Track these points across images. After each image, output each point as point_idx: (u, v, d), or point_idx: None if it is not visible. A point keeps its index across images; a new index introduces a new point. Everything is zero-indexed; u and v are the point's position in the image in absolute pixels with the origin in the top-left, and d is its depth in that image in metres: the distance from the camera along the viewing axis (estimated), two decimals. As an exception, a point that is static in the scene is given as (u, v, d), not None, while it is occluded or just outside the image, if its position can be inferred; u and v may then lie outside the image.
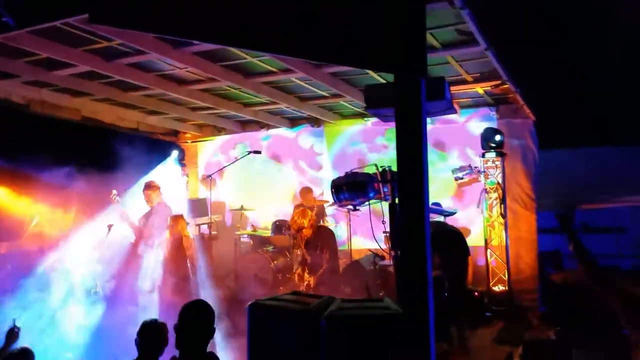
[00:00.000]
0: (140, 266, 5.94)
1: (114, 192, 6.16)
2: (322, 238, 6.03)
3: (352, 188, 3.79)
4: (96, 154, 7.97)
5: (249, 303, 3.39)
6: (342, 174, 4.09)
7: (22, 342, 3.56)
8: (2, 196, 6.39)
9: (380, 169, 3.99)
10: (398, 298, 3.29)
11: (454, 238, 6.11)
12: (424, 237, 3.00)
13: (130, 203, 6.78)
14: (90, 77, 6.37)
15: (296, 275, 6.21)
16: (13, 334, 3.45)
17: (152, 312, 5.49)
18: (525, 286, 7.48)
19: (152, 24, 3.81)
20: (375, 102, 3.31)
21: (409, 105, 3.01)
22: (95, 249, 6.39)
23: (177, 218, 6.24)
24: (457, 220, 7.81)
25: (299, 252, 7.67)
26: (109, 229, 6.11)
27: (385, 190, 3.95)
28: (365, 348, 2.96)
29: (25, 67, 5.78)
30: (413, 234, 3.00)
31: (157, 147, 9.41)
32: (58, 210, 6.73)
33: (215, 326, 3.11)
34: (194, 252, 6.28)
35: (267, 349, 3.21)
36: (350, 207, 4.25)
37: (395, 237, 3.34)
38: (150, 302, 5.80)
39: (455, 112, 4.93)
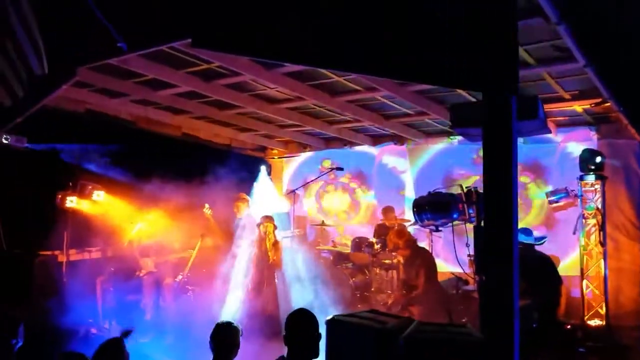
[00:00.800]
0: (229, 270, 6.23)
1: (207, 205, 6.55)
2: (419, 259, 5.90)
3: (434, 208, 3.73)
4: (193, 168, 8.51)
5: (327, 318, 3.44)
6: (425, 194, 4.04)
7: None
8: (109, 204, 6.97)
9: (465, 190, 3.90)
10: (481, 325, 3.17)
11: (543, 264, 5.77)
12: (511, 262, 2.89)
13: (220, 213, 7.15)
14: (190, 96, 6.85)
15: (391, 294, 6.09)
16: (128, 332, 3.60)
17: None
18: (626, 322, 6.87)
19: (249, 48, 4.04)
20: (462, 121, 3.25)
21: (498, 125, 2.94)
22: (189, 255, 6.80)
23: (267, 218, 6.46)
24: (548, 247, 7.37)
25: (378, 271, 7.64)
26: (202, 238, 6.47)
27: (471, 212, 3.85)
28: (444, 373, 2.89)
29: (133, 87, 6.33)
30: (499, 258, 2.90)
31: (247, 163, 9.84)
32: (157, 218, 7.21)
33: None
34: (280, 255, 6.48)
35: (344, 365, 3.22)
36: (433, 227, 4.17)
37: (479, 261, 3.23)
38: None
39: (549, 132, 4.70)
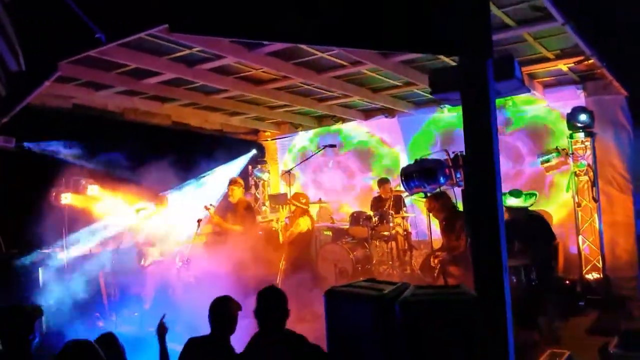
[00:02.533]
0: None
1: (209, 204, 6.69)
2: (460, 222, 5.84)
3: (422, 175, 3.78)
4: (185, 156, 8.56)
5: (325, 290, 3.52)
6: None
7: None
8: (104, 197, 7.01)
9: (451, 154, 3.94)
10: (474, 284, 3.25)
11: (535, 223, 5.82)
12: (496, 221, 2.94)
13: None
14: (176, 84, 6.83)
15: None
16: (163, 327, 3.64)
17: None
18: (623, 274, 6.98)
19: (225, 29, 4.05)
20: (441, 87, 3.28)
21: (476, 88, 2.96)
22: (186, 240, 6.89)
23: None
24: (542, 206, 7.45)
25: (377, 244, 7.74)
26: (199, 224, 6.53)
27: (458, 176, 3.90)
28: (438, 333, 2.98)
29: (117, 78, 6.31)
30: (484, 219, 2.96)
31: (240, 146, 9.89)
32: (152, 207, 7.27)
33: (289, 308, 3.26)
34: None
35: (343, 333, 3.31)
36: (422, 194, 4.22)
37: (468, 222, 3.30)
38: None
39: (528, 90, 4.70)
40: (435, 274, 5.71)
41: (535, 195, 5.93)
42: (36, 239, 6.34)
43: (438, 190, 4.94)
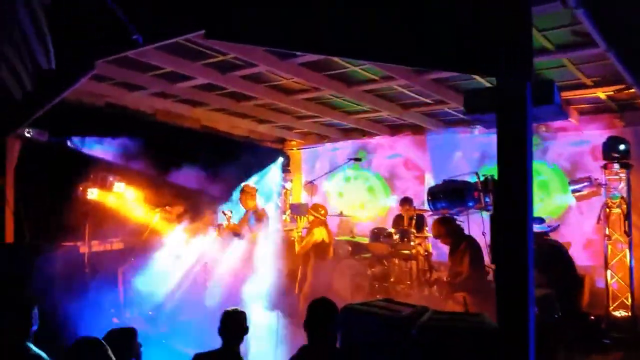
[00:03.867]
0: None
1: (225, 212, 6.69)
2: (463, 245, 5.65)
3: (449, 196, 3.69)
4: (212, 159, 8.61)
5: (342, 306, 3.45)
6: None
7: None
8: (130, 196, 7.08)
9: (482, 177, 3.84)
10: (497, 315, 3.13)
11: (555, 253, 5.63)
12: (525, 251, 2.85)
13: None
14: (208, 89, 6.90)
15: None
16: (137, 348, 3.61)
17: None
18: (652, 313, 6.70)
19: (261, 38, 4.07)
20: (476, 108, 3.20)
21: (513, 111, 2.88)
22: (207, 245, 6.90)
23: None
24: (568, 236, 7.25)
25: (396, 262, 7.61)
26: (219, 229, 6.54)
27: (487, 200, 3.79)
28: (457, 362, 2.87)
29: (151, 80, 6.40)
30: (512, 247, 2.86)
31: (266, 154, 9.91)
32: (177, 209, 7.31)
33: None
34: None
35: (357, 352, 3.23)
36: (448, 216, 4.12)
37: (495, 250, 3.19)
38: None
39: (566, 117, 4.58)
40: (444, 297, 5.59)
41: (558, 226, 5.77)
42: (60, 231, 6.42)
43: (444, 215, 4.86)
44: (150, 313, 6.53)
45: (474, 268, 5.51)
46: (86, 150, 7.10)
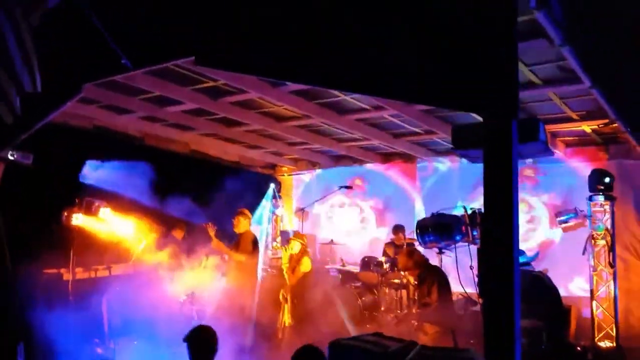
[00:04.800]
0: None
1: (210, 225, 6.62)
2: (431, 276, 5.81)
3: (437, 230, 3.70)
4: (202, 185, 8.56)
5: (330, 341, 3.40)
6: (428, 215, 4.01)
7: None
8: (116, 222, 6.97)
9: (469, 211, 3.86)
10: (484, 349, 3.11)
11: (538, 282, 5.67)
12: (511, 285, 2.84)
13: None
14: (198, 113, 6.89)
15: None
16: None
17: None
18: (636, 344, 6.73)
19: (252, 67, 4.08)
20: (464, 143, 3.24)
21: (498, 147, 2.90)
22: (194, 273, 6.80)
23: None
24: (555, 269, 7.28)
25: (387, 291, 7.57)
26: (207, 257, 6.46)
27: (475, 233, 3.80)
28: (443, 400, 2.83)
29: (140, 104, 6.39)
30: (499, 281, 2.86)
31: (256, 180, 9.88)
32: (164, 235, 7.22)
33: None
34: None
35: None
36: (436, 249, 4.13)
37: (482, 283, 3.19)
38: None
39: (552, 154, 4.66)
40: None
41: (537, 255, 5.81)
42: (43, 257, 6.28)
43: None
44: (135, 343, 6.38)
45: (443, 299, 5.59)
46: (72, 174, 7.00)
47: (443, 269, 5.73)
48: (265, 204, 9.60)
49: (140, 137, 7.74)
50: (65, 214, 6.46)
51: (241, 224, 6.86)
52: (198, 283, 6.37)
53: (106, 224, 6.72)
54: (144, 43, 4.50)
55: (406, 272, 6.14)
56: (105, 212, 6.63)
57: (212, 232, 6.68)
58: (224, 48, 4.07)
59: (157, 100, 6.31)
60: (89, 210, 6.57)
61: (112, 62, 4.42)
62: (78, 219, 6.45)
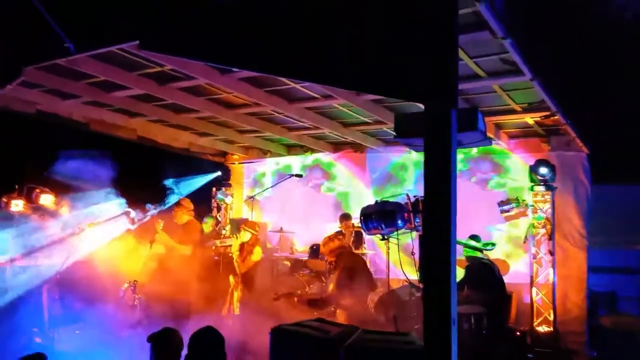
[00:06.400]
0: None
1: (148, 205, 6.51)
2: (340, 263, 6.15)
3: (380, 217, 3.77)
4: (149, 172, 8.36)
5: (272, 327, 3.42)
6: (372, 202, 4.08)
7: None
8: (57, 207, 6.74)
9: (412, 199, 3.94)
10: (423, 334, 3.20)
11: (486, 271, 5.90)
12: (448, 272, 2.93)
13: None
14: (145, 99, 6.70)
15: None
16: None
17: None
18: (572, 328, 7.09)
19: (198, 53, 4.01)
20: (405, 132, 3.30)
21: (438, 136, 2.97)
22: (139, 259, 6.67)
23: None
24: (499, 255, 7.56)
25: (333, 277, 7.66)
26: (151, 244, 6.35)
27: (417, 221, 3.89)
28: (382, 382, 2.90)
29: (85, 88, 6.16)
30: (437, 268, 2.94)
31: (206, 167, 9.74)
32: (108, 222, 7.02)
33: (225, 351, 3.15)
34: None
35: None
36: (379, 236, 4.21)
37: (422, 269, 3.27)
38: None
39: (490, 143, 4.81)
40: None
41: (494, 245, 6.02)
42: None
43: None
44: (77, 332, 6.21)
45: (345, 287, 5.91)
46: (12, 159, 6.71)
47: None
48: (211, 192, 9.51)
49: (85, 123, 7.47)
50: (5, 200, 6.22)
51: (179, 215, 6.78)
52: (141, 272, 6.24)
53: (48, 210, 6.48)
54: (87, 27, 4.36)
55: (327, 259, 6.40)
56: (47, 198, 6.41)
57: (159, 225, 6.57)
58: (169, 33, 3.99)
59: (102, 85, 6.10)
60: (29, 197, 6.34)
61: (55, 45, 4.28)
62: (18, 206, 6.21)
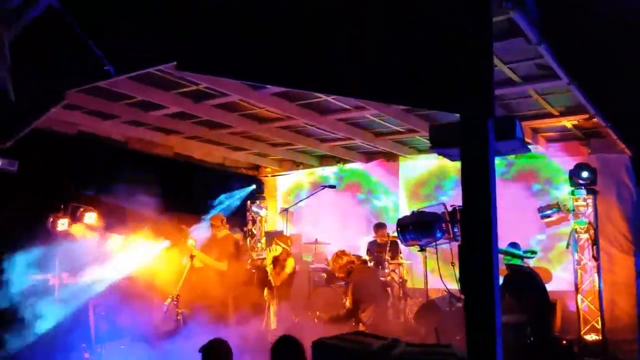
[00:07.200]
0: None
1: (186, 229, 6.63)
2: (351, 282, 6.17)
3: (418, 228, 3.73)
4: (186, 187, 8.53)
5: (313, 341, 3.42)
6: (409, 213, 4.05)
7: None
8: (101, 226, 6.93)
9: (449, 208, 3.89)
10: (466, 345, 3.15)
11: (529, 279, 5.76)
12: (491, 283, 2.88)
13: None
14: (181, 117, 6.89)
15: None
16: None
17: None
18: (622, 336, 6.83)
19: (232, 71, 4.10)
20: (441, 142, 3.27)
21: (475, 147, 2.94)
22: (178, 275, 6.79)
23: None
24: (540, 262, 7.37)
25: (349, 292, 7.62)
26: (192, 259, 6.46)
27: (455, 230, 3.84)
28: (425, 396, 2.87)
29: (124, 108, 6.38)
30: (478, 279, 2.89)
31: (240, 181, 9.89)
32: (149, 240, 7.18)
33: None
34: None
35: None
36: (418, 247, 4.17)
37: (463, 280, 3.22)
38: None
39: (529, 150, 4.72)
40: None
41: (535, 253, 5.88)
42: (30, 264, 6.25)
43: None
44: (122, 347, 6.36)
45: (358, 305, 5.93)
46: (57, 179, 6.96)
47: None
48: (246, 205, 9.62)
49: (124, 141, 7.71)
50: (51, 219, 6.44)
51: (217, 230, 6.88)
52: (182, 286, 6.36)
53: (92, 228, 6.67)
54: (126, 49, 4.51)
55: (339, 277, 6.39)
56: (91, 216, 6.60)
57: (192, 245, 6.63)
58: (205, 53, 4.09)
59: (140, 105, 6.31)
60: (74, 216, 6.55)
61: (96, 68, 4.44)
62: (64, 225, 6.42)
